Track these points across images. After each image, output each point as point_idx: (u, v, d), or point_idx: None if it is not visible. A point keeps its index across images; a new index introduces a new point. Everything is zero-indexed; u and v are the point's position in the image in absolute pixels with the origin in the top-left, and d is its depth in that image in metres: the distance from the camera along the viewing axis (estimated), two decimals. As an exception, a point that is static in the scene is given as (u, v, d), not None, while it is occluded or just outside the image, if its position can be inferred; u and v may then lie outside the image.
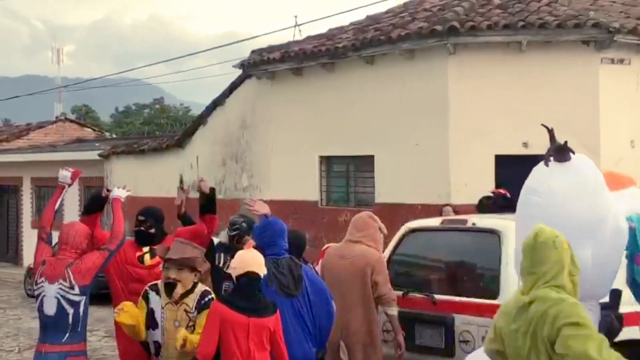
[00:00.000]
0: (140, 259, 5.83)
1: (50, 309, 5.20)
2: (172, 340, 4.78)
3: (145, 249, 5.84)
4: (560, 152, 4.34)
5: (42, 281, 5.22)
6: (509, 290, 5.31)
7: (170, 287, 4.86)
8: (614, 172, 5.37)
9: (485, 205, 7.75)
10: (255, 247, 5.30)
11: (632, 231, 4.54)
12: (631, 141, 10.86)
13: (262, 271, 4.77)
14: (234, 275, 4.85)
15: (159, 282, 5.07)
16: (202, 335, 4.64)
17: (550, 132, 4.45)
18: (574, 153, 4.36)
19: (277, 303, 4.91)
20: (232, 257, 5.23)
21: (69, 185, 5.79)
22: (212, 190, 6.12)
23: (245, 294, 4.73)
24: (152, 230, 5.85)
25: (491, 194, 7.98)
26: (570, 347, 2.95)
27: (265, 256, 5.02)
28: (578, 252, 3.90)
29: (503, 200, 7.15)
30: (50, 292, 5.19)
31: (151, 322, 4.92)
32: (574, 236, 4.03)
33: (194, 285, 4.93)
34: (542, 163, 4.47)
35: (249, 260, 4.82)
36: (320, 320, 5.39)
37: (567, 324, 2.97)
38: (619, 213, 4.50)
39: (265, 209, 5.49)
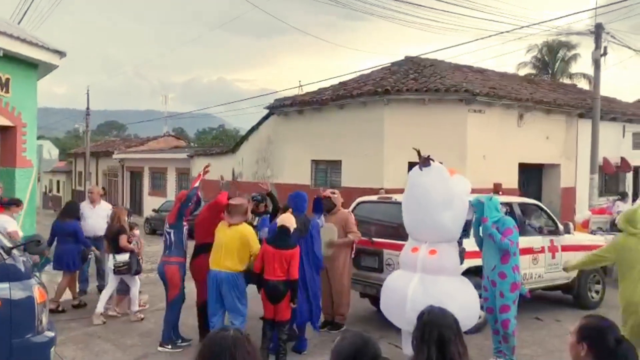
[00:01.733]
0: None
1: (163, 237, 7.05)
2: None
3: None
4: (426, 161, 5.69)
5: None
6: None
7: None
8: (449, 168, 6.31)
9: None
10: (287, 207, 6.72)
11: (481, 204, 6.11)
12: (483, 155, 14.70)
13: (292, 226, 6.23)
14: (277, 226, 6.29)
15: None
16: (256, 258, 6.23)
17: (418, 151, 5.73)
18: (433, 161, 5.71)
19: (298, 239, 6.28)
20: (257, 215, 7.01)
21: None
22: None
23: (277, 237, 6.25)
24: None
25: None
26: None
27: (294, 214, 6.46)
28: (444, 215, 5.60)
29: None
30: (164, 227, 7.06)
31: None
32: (441, 207, 5.63)
33: None
34: (416, 167, 5.78)
35: (284, 219, 6.35)
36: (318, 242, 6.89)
37: None
38: (462, 192, 5.95)
39: (267, 186, 7.36)
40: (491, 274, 6.21)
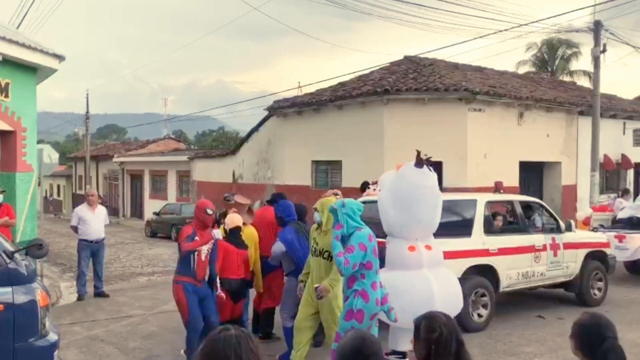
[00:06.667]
0: None
1: None
2: None
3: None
4: (421, 162, 5.66)
5: None
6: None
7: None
8: (397, 163, 6.29)
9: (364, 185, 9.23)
10: (277, 216, 6.72)
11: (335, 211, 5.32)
12: (484, 154, 14.95)
13: (240, 224, 6.52)
14: (227, 228, 6.43)
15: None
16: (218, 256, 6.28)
17: (418, 153, 5.71)
18: (427, 164, 5.68)
19: (303, 241, 6.26)
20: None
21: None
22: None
23: (234, 237, 6.47)
24: None
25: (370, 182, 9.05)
26: None
27: (286, 221, 6.52)
28: (438, 213, 5.79)
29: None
30: None
31: None
32: (437, 205, 5.85)
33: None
34: (412, 168, 5.67)
35: (236, 220, 6.57)
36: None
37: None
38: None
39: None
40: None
